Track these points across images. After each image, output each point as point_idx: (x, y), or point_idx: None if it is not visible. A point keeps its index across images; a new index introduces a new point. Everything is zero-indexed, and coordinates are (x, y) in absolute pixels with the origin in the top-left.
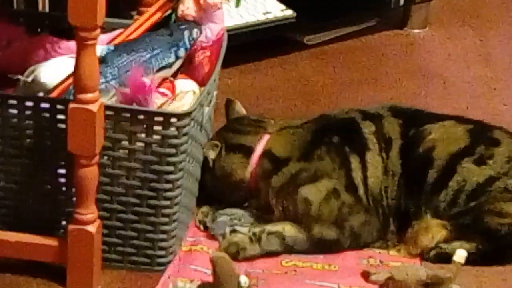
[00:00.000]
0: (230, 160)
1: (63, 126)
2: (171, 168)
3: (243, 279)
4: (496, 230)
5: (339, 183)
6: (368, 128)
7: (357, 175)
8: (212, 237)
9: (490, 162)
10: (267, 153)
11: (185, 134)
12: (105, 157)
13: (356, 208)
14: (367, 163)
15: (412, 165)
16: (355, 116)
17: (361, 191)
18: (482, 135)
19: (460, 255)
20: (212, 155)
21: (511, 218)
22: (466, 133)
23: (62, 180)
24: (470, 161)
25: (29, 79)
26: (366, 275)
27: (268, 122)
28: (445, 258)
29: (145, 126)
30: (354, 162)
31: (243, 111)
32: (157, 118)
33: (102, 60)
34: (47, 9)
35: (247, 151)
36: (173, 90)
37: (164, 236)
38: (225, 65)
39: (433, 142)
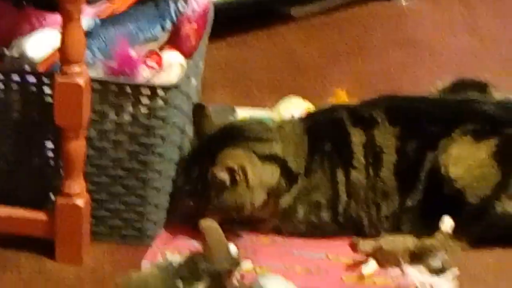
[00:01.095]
0: (266, 172)
1: (50, 100)
2: (159, 140)
3: (232, 248)
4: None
5: (325, 195)
6: (357, 138)
7: (342, 189)
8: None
9: None
10: (283, 165)
11: (172, 106)
12: (93, 131)
13: (329, 228)
14: (351, 182)
15: (430, 197)
16: (344, 118)
17: (341, 207)
18: (510, 156)
19: (447, 224)
20: (225, 175)
21: None
22: (493, 161)
23: (50, 154)
24: (505, 197)
25: (15, 53)
26: (354, 245)
27: (265, 121)
28: None
29: (132, 98)
30: (340, 175)
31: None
32: (144, 91)
33: (88, 34)
34: None
35: (279, 160)
36: (160, 62)
37: (152, 208)
38: (212, 38)
39: (459, 184)
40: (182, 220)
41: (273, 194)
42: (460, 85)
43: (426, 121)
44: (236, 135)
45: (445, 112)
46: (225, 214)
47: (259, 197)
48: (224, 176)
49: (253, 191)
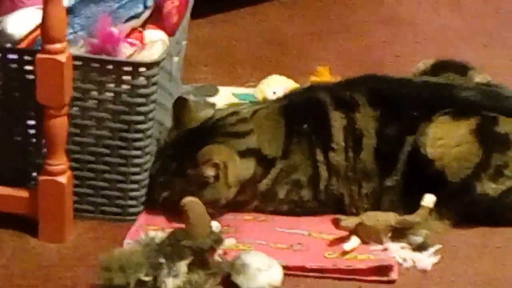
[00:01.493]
0: (243, 167)
1: (32, 77)
2: (141, 117)
3: (215, 224)
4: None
5: (305, 174)
6: (337, 122)
7: (323, 167)
8: None
9: (506, 172)
10: (258, 155)
11: (154, 84)
12: (75, 108)
13: (310, 206)
14: (330, 163)
15: (410, 178)
16: (325, 100)
17: (322, 185)
18: (491, 136)
19: (429, 199)
20: (210, 172)
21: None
22: (474, 140)
23: (32, 131)
24: (486, 178)
25: None
26: (336, 222)
27: (241, 110)
28: None
29: (114, 76)
30: (319, 155)
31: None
32: (126, 68)
33: (70, 11)
34: None
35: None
36: (142, 40)
37: (135, 185)
38: (195, 16)
39: (438, 164)
40: (160, 206)
41: (249, 182)
42: (441, 67)
43: (406, 105)
44: (216, 131)
45: (425, 96)
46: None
47: (233, 192)
48: (210, 172)
49: (230, 187)
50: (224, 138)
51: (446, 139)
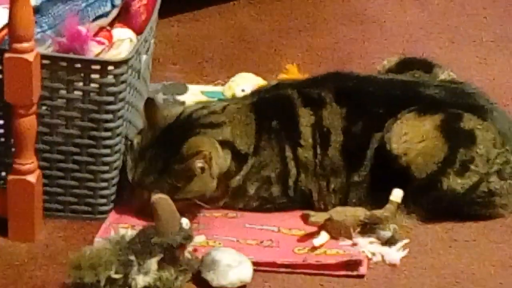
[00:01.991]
0: (223, 157)
1: (0, 76)
2: (110, 116)
3: (185, 221)
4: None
5: (274, 171)
6: (306, 119)
7: (291, 163)
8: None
9: (472, 166)
10: (232, 148)
11: (123, 82)
12: (43, 107)
13: (279, 201)
14: (299, 159)
15: (378, 175)
16: (293, 97)
17: (291, 181)
18: (456, 132)
19: (397, 194)
20: (200, 164)
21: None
22: (439, 135)
23: (0, 130)
24: (452, 173)
25: None
26: (305, 218)
27: (211, 105)
28: None
29: (82, 74)
30: (288, 152)
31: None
32: (94, 66)
33: (37, 10)
34: None
35: (229, 144)
36: (110, 38)
37: (104, 184)
38: (163, 15)
39: (403, 160)
40: (139, 210)
41: (223, 176)
42: (406, 65)
43: (372, 102)
44: (192, 124)
45: (391, 94)
46: (186, 201)
47: (215, 184)
48: (199, 164)
49: (214, 178)
50: (202, 129)
51: (411, 135)
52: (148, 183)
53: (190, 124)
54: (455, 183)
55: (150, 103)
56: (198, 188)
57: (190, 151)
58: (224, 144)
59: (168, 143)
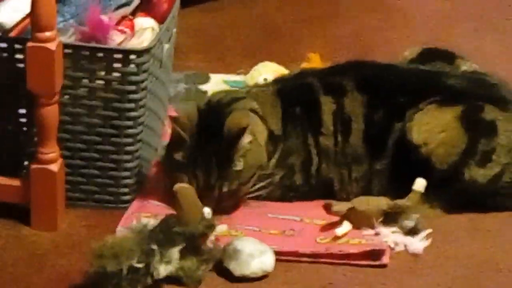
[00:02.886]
0: (262, 128)
1: (22, 65)
2: (132, 105)
3: (207, 211)
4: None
5: (299, 158)
6: (327, 106)
7: (314, 151)
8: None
9: (494, 157)
10: (267, 128)
11: (145, 71)
12: (66, 96)
13: (302, 190)
14: (320, 147)
15: (399, 164)
16: (315, 85)
17: (313, 169)
18: (477, 123)
19: (420, 183)
20: (248, 138)
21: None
22: (460, 126)
23: (23, 120)
24: (474, 164)
25: None
26: (328, 207)
27: (234, 91)
28: None
29: (104, 63)
30: (310, 139)
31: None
32: (116, 55)
33: None
34: None
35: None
36: (132, 27)
37: (127, 173)
38: (185, 4)
39: (424, 150)
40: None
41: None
42: (428, 55)
43: (394, 92)
44: (222, 109)
45: (412, 84)
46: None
47: (265, 151)
48: (247, 138)
49: (262, 144)
50: (232, 105)
51: (431, 125)
52: (215, 183)
53: (220, 110)
54: (477, 173)
55: (179, 120)
56: (254, 160)
57: (232, 132)
58: (260, 117)
59: (210, 138)
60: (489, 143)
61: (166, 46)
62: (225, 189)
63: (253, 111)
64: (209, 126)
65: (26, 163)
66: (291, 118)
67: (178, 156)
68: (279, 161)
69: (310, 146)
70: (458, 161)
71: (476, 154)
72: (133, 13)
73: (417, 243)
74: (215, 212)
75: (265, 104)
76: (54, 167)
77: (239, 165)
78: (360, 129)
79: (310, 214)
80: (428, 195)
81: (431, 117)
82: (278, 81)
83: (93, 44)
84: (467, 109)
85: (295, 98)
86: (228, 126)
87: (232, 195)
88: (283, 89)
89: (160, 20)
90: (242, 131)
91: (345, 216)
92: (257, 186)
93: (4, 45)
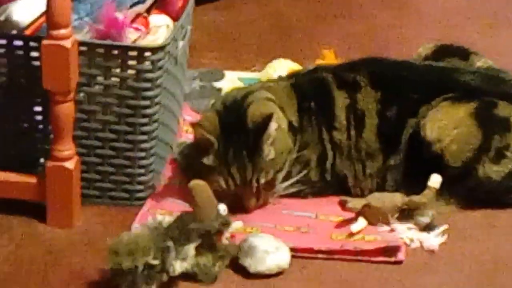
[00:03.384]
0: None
1: (38, 63)
2: (147, 102)
3: (222, 207)
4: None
5: (315, 153)
6: (340, 101)
7: (328, 146)
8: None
9: (508, 153)
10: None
11: (160, 68)
12: (81, 94)
13: (317, 186)
14: (334, 142)
15: (413, 161)
16: (328, 79)
17: (328, 164)
18: (490, 120)
19: (435, 180)
20: (274, 126)
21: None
22: (473, 122)
23: (39, 117)
24: (488, 160)
25: (2, 18)
26: (343, 204)
27: (247, 87)
28: None
29: (120, 61)
30: (325, 134)
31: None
32: (131, 53)
33: None
34: None
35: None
36: (147, 25)
37: (142, 170)
38: (200, 1)
39: (437, 147)
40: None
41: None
42: (443, 52)
43: (407, 88)
44: (241, 103)
45: (426, 80)
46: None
47: (289, 137)
48: (274, 126)
49: (286, 130)
50: (250, 98)
51: (445, 122)
52: (251, 177)
53: (238, 106)
54: (491, 170)
55: (202, 125)
56: (283, 145)
57: (258, 123)
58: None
59: (236, 135)
60: (503, 140)
61: (181, 43)
62: (262, 180)
63: (270, 100)
64: (232, 123)
65: (42, 160)
66: (306, 112)
67: (208, 160)
68: (297, 156)
69: (324, 141)
70: (472, 157)
71: (490, 150)
72: (148, 11)
73: (433, 240)
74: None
75: (281, 96)
76: (70, 165)
77: (271, 154)
78: (374, 124)
79: (325, 210)
80: (443, 192)
81: (445, 113)
82: (292, 76)
83: (108, 42)
84: (480, 105)
85: (309, 92)
86: (251, 118)
87: (269, 186)
88: (297, 83)
89: (175, 17)
90: (268, 119)
91: (360, 213)
92: (291, 181)
93: (19, 43)
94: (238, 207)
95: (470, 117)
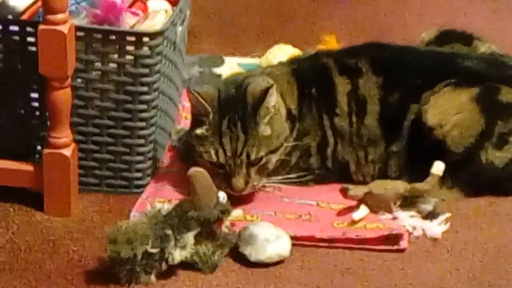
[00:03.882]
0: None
1: (34, 49)
2: (145, 88)
3: (222, 195)
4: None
5: (315, 139)
6: (342, 87)
7: (329, 133)
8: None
9: (511, 139)
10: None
11: (158, 54)
12: (78, 80)
13: (318, 173)
14: (335, 128)
15: (415, 147)
16: (330, 66)
17: (329, 151)
18: (493, 105)
19: (438, 167)
20: (272, 100)
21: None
22: (476, 107)
23: (35, 104)
24: (491, 146)
25: None
26: (344, 191)
27: (248, 73)
28: None
29: (117, 46)
30: (326, 120)
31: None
32: (129, 38)
33: None
34: None
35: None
36: (145, 9)
37: (140, 158)
38: None
39: (438, 132)
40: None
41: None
42: (446, 37)
43: (410, 73)
44: (241, 83)
45: (428, 66)
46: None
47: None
48: (272, 99)
49: (282, 114)
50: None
51: (446, 107)
52: (242, 149)
53: (238, 82)
54: (494, 156)
55: (200, 93)
56: (280, 128)
57: (257, 94)
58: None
59: (232, 107)
60: (506, 125)
61: (180, 28)
62: (252, 156)
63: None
64: (230, 97)
65: (38, 148)
66: (306, 98)
67: (201, 130)
68: (295, 143)
69: (325, 127)
70: (474, 143)
71: (492, 136)
72: None
73: (436, 228)
74: (235, 196)
75: (281, 83)
76: (67, 152)
77: (266, 130)
78: (376, 110)
79: (327, 198)
80: (446, 179)
81: (447, 99)
82: (293, 61)
83: (105, 27)
84: (483, 90)
85: (310, 78)
86: (251, 93)
87: (261, 169)
88: (298, 69)
89: (174, 2)
90: (266, 91)
91: (362, 200)
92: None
93: (15, 28)
94: (226, 191)
95: (472, 102)
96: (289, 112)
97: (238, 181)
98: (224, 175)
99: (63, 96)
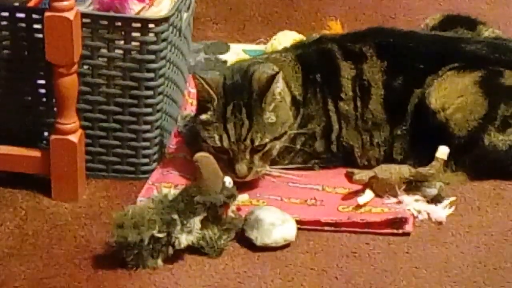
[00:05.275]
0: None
1: (40, 35)
2: (151, 74)
3: (228, 180)
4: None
5: (319, 124)
6: (346, 72)
7: (334, 117)
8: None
9: None
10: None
11: (164, 40)
12: (85, 66)
13: (323, 157)
14: (340, 112)
15: (420, 131)
16: (334, 50)
17: (333, 135)
18: (496, 88)
19: (443, 151)
20: (278, 87)
21: None
22: (478, 91)
23: (42, 90)
24: (494, 129)
25: None
26: (349, 176)
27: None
28: None
29: (123, 33)
30: (331, 105)
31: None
32: (135, 24)
33: None
34: None
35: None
36: None
37: (147, 143)
38: None
39: (442, 115)
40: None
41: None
42: (450, 22)
43: (413, 58)
44: (247, 70)
45: (432, 50)
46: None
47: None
48: (278, 85)
49: (287, 102)
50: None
51: (449, 90)
52: (246, 135)
53: (244, 69)
54: (497, 139)
55: (206, 79)
56: (285, 116)
57: (262, 81)
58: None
59: (238, 93)
60: (509, 109)
61: (185, 15)
62: (256, 142)
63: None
64: (236, 84)
65: (46, 134)
66: (311, 83)
67: (206, 115)
68: (300, 127)
69: (330, 112)
70: (477, 126)
71: (496, 119)
72: None
73: (440, 211)
74: (240, 182)
75: (286, 69)
76: (74, 138)
77: (270, 116)
78: (380, 94)
79: (332, 183)
80: (450, 162)
81: (450, 82)
82: (298, 47)
83: (111, 13)
84: (486, 74)
85: (315, 64)
86: (257, 77)
87: (264, 156)
88: (303, 55)
89: None
90: (272, 78)
91: (367, 185)
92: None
93: (22, 15)
94: (230, 176)
95: (475, 85)
96: (293, 98)
97: (242, 167)
98: (228, 161)
99: (69, 83)
